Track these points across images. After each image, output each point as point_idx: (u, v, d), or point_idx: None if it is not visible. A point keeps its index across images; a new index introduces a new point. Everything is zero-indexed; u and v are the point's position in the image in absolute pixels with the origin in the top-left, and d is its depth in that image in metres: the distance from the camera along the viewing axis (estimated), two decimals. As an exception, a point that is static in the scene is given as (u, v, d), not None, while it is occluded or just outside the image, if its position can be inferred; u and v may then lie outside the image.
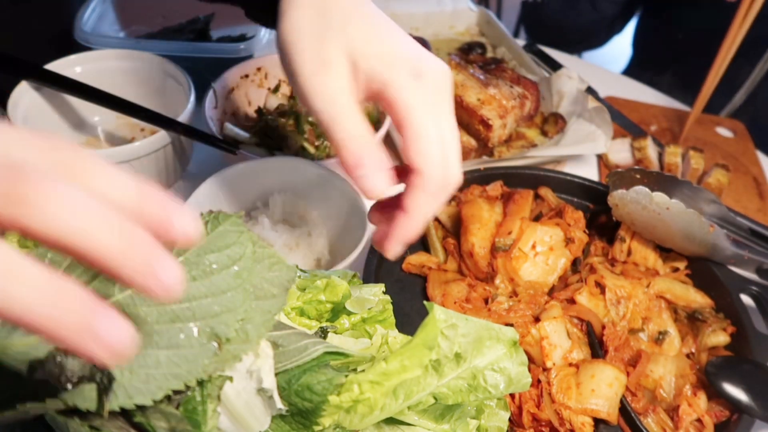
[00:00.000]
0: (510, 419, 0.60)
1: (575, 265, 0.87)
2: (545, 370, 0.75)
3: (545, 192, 0.97)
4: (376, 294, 0.57)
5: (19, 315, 0.26)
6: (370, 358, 0.49)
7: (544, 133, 1.12)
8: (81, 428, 0.36)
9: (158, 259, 0.28)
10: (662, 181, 0.93)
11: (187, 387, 0.38)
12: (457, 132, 0.56)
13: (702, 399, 0.74)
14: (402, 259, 0.89)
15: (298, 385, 0.45)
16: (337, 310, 0.56)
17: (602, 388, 0.72)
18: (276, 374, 0.45)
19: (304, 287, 0.56)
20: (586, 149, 1.07)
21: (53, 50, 1.02)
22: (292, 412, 0.45)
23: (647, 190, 0.84)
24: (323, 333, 0.53)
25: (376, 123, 1.04)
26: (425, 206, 0.55)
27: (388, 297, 0.57)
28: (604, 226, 0.94)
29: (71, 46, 1.08)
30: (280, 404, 0.44)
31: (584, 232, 0.89)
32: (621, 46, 1.91)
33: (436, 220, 0.94)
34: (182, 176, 1.02)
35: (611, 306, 0.82)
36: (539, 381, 0.73)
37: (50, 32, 1.09)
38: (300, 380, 0.45)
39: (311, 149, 1.01)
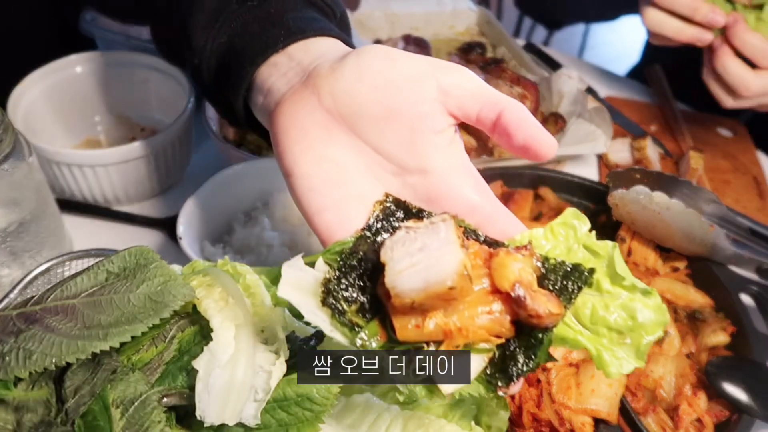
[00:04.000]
0: (510, 419, 0.60)
1: (575, 265, 0.87)
2: (545, 370, 0.75)
3: (545, 192, 0.97)
4: None
5: None
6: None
7: (544, 133, 1.12)
8: None
9: None
10: (662, 181, 0.93)
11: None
12: None
13: (702, 399, 0.74)
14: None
15: (297, 396, 0.46)
16: None
17: (602, 388, 0.72)
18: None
19: None
20: (586, 149, 1.07)
21: (58, 41, 1.02)
22: (292, 423, 0.46)
23: (647, 190, 0.84)
24: (319, 337, 0.53)
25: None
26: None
27: None
28: (604, 226, 0.94)
29: (76, 39, 1.09)
30: (275, 366, 0.46)
31: (584, 232, 0.89)
32: (621, 46, 1.91)
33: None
34: (182, 176, 1.02)
35: (611, 306, 0.81)
36: (539, 381, 0.73)
37: (56, 24, 1.09)
38: (299, 390, 0.46)
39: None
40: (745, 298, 0.86)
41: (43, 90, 0.96)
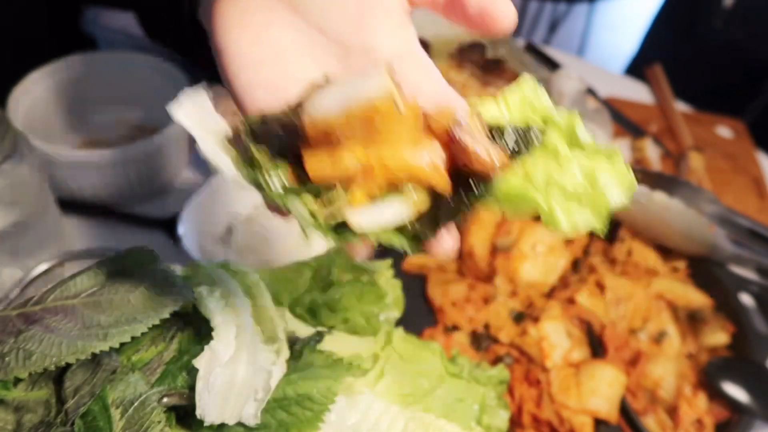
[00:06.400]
0: (510, 419, 0.60)
1: (575, 265, 0.87)
2: (545, 370, 0.75)
3: (545, 192, 0.97)
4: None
5: None
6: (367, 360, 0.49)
7: (544, 133, 1.12)
8: None
9: None
10: (662, 181, 0.93)
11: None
12: None
13: (702, 399, 0.74)
14: (402, 259, 0.89)
15: (298, 396, 0.46)
16: None
17: (602, 388, 0.72)
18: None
19: None
20: (586, 149, 1.07)
21: (58, 41, 1.02)
22: (292, 422, 0.46)
23: (647, 190, 0.84)
24: (319, 337, 0.53)
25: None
26: None
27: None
28: (604, 226, 0.94)
29: (76, 39, 1.09)
30: (275, 366, 0.47)
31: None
32: (621, 45, 1.91)
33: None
34: (183, 176, 1.02)
35: (611, 306, 0.82)
36: (539, 381, 0.73)
37: (57, 23, 1.09)
38: (299, 390, 0.46)
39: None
40: (745, 298, 0.86)
41: (43, 90, 0.96)
